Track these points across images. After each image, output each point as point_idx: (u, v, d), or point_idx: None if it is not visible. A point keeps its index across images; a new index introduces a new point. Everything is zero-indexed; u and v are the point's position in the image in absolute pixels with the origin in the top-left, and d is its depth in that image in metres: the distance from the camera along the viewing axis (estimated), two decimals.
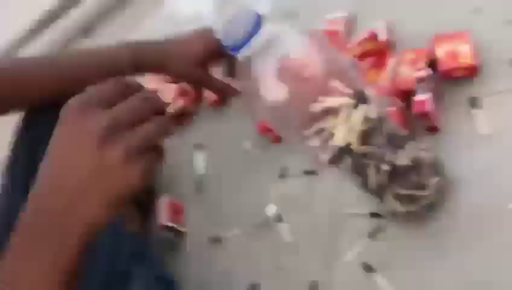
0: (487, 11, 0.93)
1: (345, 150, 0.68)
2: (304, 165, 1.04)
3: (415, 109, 0.85)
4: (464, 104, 0.86)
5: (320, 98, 0.66)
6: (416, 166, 0.74)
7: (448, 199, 0.79)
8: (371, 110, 0.66)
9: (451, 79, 0.89)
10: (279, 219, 1.03)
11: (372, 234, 0.86)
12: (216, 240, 1.13)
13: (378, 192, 0.77)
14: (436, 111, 0.86)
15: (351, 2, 1.13)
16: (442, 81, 0.90)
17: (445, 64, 0.88)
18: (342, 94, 0.67)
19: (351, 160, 0.70)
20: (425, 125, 0.87)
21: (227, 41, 0.58)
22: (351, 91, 0.66)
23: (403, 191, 0.76)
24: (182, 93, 1.28)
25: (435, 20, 0.99)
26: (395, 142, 0.73)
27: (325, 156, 0.70)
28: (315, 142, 0.70)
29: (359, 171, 0.73)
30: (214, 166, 1.28)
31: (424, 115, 0.85)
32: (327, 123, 0.68)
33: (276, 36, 0.61)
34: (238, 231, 1.09)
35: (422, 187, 0.77)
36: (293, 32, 0.63)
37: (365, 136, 0.68)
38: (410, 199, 0.78)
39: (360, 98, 0.66)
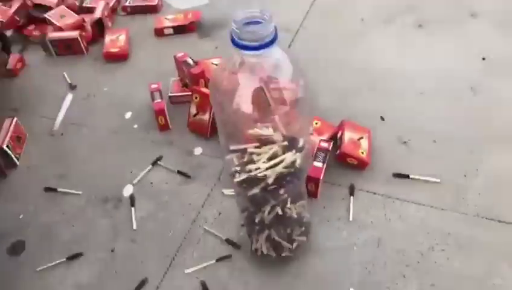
0: (388, 120, 1.07)
1: (259, 180, 0.70)
2: (179, 164, 1.03)
3: (310, 173, 0.92)
4: (345, 187, 0.96)
5: (260, 126, 0.68)
6: (294, 220, 0.79)
7: (304, 262, 0.86)
8: (298, 160, 0.70)
9: (344, 162, 0.99)
10: (132, 202, 0.98)
11: (221, 259, 0.88)
12: (50, 190, 1.02)
13: (258, 228, 0.79)
14: (322, 181, 0.94)
15: None
16: (336, 160, 0.99)
17: (347, 148, 0.98)
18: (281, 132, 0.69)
19: (258, 190, 0.72)
20: (308, 188, 0.94)
21: (245, 36, 0.56)
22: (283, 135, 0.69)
23: (276, 237, 0.80)
24: None
25: (348, 106, 1.10)
26: (294, 194, 0.77)
27: (238, 175, 0.71)
28: (233, 158, 0.71)
29: (257, 202, 0.75)
30: (83, 117, 1.18)
31: (315, 180, 0.93)
32: (255, 149, 0.69)
33: (277, 57, 0.62)
34: (83, 196, 1.01)
35: (291, 241, 0.82)
36: (288, 59, 0.64)
37: (279, 177, 0.71)
38: (275, 246, 0.82)
39: (294, 145, 0.70)
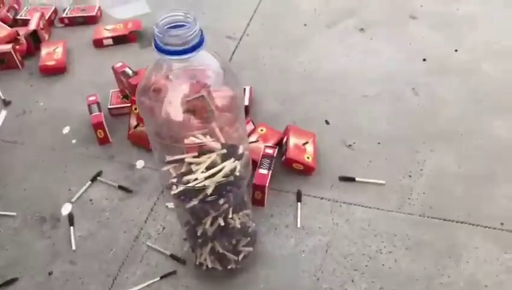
0: (333, 124, 1.06)
1: (197, 191, 0.67)
2: (121, 179, 0.99)
3: (255, 181, 0.90)
4: (292, 194, 0.95)
5: (196, 134, 0.65)
6: (238, 231, 0.77)
7: (252, 272, 0.83)
8: (238, 167, 0.68)
9: (290, 168, 0.97)
10: (71, 222, 0.93)
11: (165, 275, 0.84)
12: None
13: (201, 241, 0.76)
14: (268, 188, 0.92)
15: None
16: (282, 166, 0.97)
17: (292, 153, 0.96)
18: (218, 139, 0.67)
19: (196, 202, 0.69)
20: (255, 197, 0.92)
21: (169, 40, 0.53)
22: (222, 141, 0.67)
23: (220, 249, 0.78)
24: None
25: (292, 111, 1.09)
26: (236, 203, 0.75)
27: (176, 187, 0.68)
28: (170, 170, 0.68)
29: (197, 214, 0.72)
30: (19, 134, 1.12)
31: (260, 188, 0.91)
32: (193, 158, 0.66)
33: (206, 62, 0.59)
34: (18, 217, 0.95)
35: (236, 253, 0.80)
36: (218, 66, 0.62)
37: (218, 187, 0.68)
38: (221, 259, 0.80)
39: (233, 152, 0.67)
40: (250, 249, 0.82)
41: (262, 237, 0.88)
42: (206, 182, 0.67)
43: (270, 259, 0.86)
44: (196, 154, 0.67)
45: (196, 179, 0.66)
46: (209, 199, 0.68)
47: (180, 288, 0.83)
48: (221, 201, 0.69)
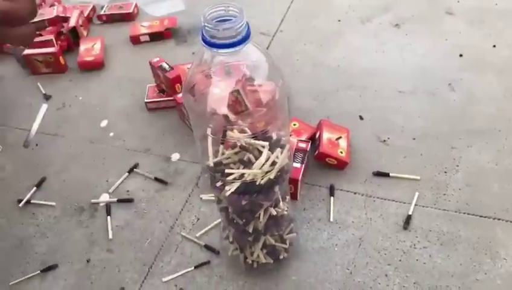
0: (367, 119, 1.06)
1: (251, 185, 0.67)
2: (157, 171, 1.01)
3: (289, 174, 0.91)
4: (325, 188, 0.95)
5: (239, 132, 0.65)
6: (286, 218, 0.77)
7: (285, 264, 0.84)
8: (285, 155, 0.68)
9: (323, 162, 0.97)
10: (108, 211, 0.96)
11: (199, 265, 0.86)
12: (27, 203, 0.99)
13: (252, 239, 0.76)
14: (301, 182, 0.93)
15: None
16: (315, 160, 0.98)
17: (325, 147, 0.96)
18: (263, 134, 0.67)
19: (247, 196, 0.69)
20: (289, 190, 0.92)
21: (218, 34, 0.54)
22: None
23: (273, 242, 0.78)
24: None
25: (326, 106, 1.09)
26: (283, 190, 0.75)
27: (228, 187, 0.68)
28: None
29: (252, 209, 0.70)
30: (58, 127, 1.15)
31: (293, 181, 0.91)
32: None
33: (252, 55, 0.60)
34: (58, 207, 0.98)
35: (283, 241, 0.80)
36: (264, 59, 0.62)
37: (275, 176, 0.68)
38: (271, 252, 0.80)
39: (277, 144, 0.68)
40: (294, 234, 0.82)
41: (295, 230, 0.88)
42: (258, 174, 0.66)
43: (302, 252, 0.86)
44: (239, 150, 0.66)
45: (257, 174, 0.66)
46: (265, 189, 0.68)
47: (214, 278, 0.84)
48: (277, 189, 0.69)
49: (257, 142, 0.65)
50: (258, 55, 0.61)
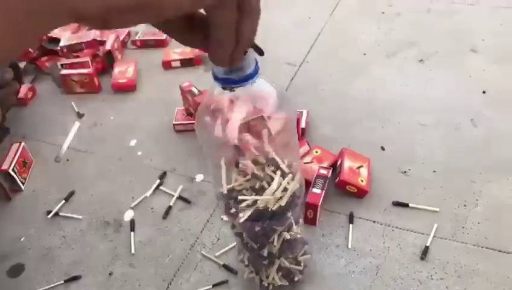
0: (389, 150, 1.08)
1: (263, 211, 0.68)
2: (181, 190, 1.04)
3: (308, 199, 0.93)
4: (344, 215, 0.96)
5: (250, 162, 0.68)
6: (299, 241, 0.79)
7: (297, 288, 0.85)
8: (295, 183, 0.70)
9: (343, 190, 0.99)
10: (132, 227, 0.99)
11: (217, 284, 0.88)
12: (55, 215, 1.03)
13: (267, 262, 0.78)
14: (321, 208, 0.95)
15: None
16: (336, 187, 1.00)
17: (346, 175, 0.98)
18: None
19: (261, 222, 0.71)
20: (307, 215, 0.94)
21: (226, 72, 0.57)
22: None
23: (287, 265, 0.80)
24: None
25: (348, 136, 1.12)
26: (296, 215, 0.77)
27: (242, 214, 0.70)
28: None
29: (266, 234, 0.73)
30: (89, 144, 1.20)
31: (313, 207, 0.93)
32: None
33: (261, 88, 0.63)
34: (85, 220, 1.02)
35: (298, 263, 0.82)
36: (273, 92, 0.65)
37: (288, 201, 0.70)
38: (286, 274, 0.82)
39: (288, 170, 0.70)
40: (309, 256, 0.84)
41: (313, 255, 0.89)
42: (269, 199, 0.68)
43: (319, 277, 0.87)
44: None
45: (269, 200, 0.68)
46: (277, 215, 0.70)
47: None
48: (289, 214, 0.72)
49: (269, 170, 0.67)
50: (267, 87, 0.64)
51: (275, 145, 0.66)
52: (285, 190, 0.67)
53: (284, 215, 0.71)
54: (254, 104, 0.65)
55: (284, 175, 0.68)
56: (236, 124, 0.64)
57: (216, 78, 0.58)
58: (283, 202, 0.68)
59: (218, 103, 0.65)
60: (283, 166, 0.68)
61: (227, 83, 0.58)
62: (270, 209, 0.68)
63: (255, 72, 0.59)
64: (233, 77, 0.57)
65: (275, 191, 0.67)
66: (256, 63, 0.59)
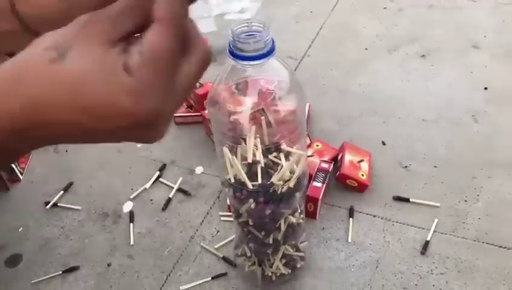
0: (389, 145, 1.07)
1: (273, 193, 0.68)
2: (180, 183, 1.04)
3: (309, 193, 0.93)
4: (344, 209, 0.96)
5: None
6: (302, 227, 0.80)
7: (301, 282, 0.85)
8: (303, 165, 0.70)
9: (343, 184, 0.99)
10: (131, 218, 0.98)
11: (216, 276, 0.87)
12: (54, 205, 1.03)
13: (271, 250, 0.78)
14: (321, 201, 0.94)
15: None
16: (336, 181, 0.99)
17: (347, 169, 0.98)
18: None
19: (271, 205, 0.70)
20: (307, 209, 0.94)
21: (244, 46, 0.57)
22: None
23: (291, 251, 0.80)
24: None
25: (349, 130, 1.11)
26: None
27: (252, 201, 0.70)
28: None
29: (274, 218, 0.72)
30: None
31: (313, 200, 0.93)
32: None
33: (276, 71, 0.63)
34: (83, 211, 1.01)
35: (298, 250, 0.82)
36: (287, 75, 0.65)
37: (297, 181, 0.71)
38: (288, 262, 0.82)
39: (293, 154, 0.70)
40: (306, 243, 0.85)
41: (312, 249, 0.89)
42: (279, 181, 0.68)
43: (319, 270, 0.87)
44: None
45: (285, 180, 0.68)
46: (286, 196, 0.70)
47: (230, 289, 0.85)
48: (298, 194, 0.71)
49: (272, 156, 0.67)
50: (281, 70, 0.64)
51: (284, 130, 0.66)
52: (291, 171, 0.67)
53: (292, 197, 0.71)
54: (265, 85, 0.65)
55: (287, 158, 0.68)
56: (247, 109, 0.64)
57: (234, 56, 0.58)
58: (291, 183, 0.68)
59: (227, 87, 0.65)
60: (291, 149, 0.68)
61: (243, 59, 0.58)
62: (279, 192, 0.68)
63: (272, 49, 0.59)
64: (251, 54, 0.58)
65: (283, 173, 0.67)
66: (273, 41, 0.59)
